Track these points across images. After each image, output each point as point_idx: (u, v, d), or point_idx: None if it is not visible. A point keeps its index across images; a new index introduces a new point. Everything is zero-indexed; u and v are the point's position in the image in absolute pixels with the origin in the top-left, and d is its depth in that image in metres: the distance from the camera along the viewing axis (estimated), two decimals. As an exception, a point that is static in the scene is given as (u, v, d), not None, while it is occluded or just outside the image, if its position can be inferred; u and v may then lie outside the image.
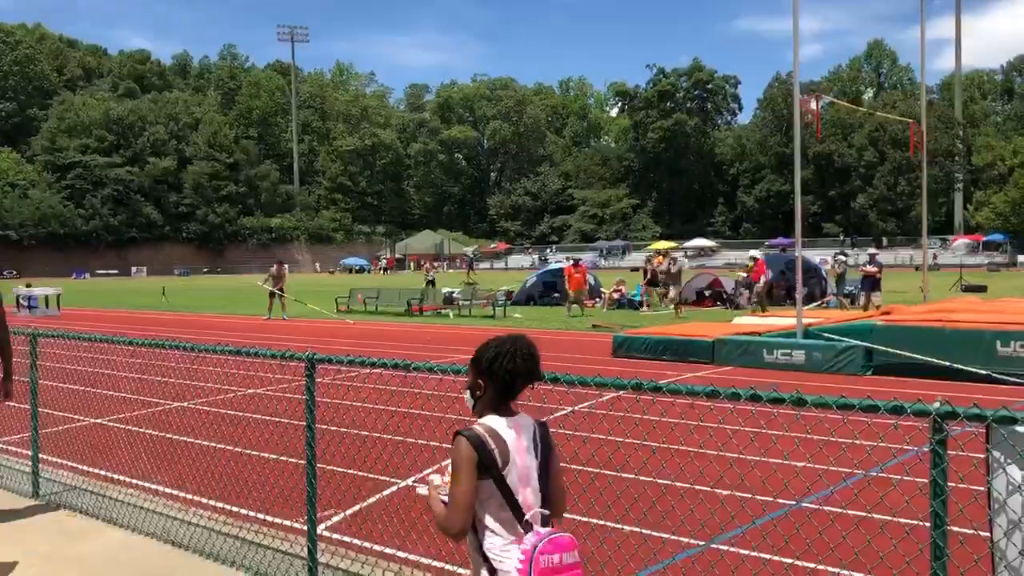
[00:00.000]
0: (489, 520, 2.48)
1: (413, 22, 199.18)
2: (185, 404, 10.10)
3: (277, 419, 8.67)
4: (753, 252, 26.61)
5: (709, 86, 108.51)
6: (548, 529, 2.48)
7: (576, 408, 8.65)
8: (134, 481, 6.71)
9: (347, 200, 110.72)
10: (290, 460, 6.85)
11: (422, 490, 2.69)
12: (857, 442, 6.42)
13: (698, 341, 14.18)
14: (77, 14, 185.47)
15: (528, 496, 2.50)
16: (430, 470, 4.50)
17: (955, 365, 11.60)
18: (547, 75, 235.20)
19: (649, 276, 26.63)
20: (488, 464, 2.44)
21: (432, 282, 34.04)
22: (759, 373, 12.67)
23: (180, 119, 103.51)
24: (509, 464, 2.47)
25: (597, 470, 5.51)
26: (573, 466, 6.20)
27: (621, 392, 3.35)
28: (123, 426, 8.99)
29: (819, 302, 25.33)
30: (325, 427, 7.12)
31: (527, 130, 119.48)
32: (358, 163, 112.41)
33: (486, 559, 2.46)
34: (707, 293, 28.38)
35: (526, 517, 2.46)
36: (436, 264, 40.93)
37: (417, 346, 17.17)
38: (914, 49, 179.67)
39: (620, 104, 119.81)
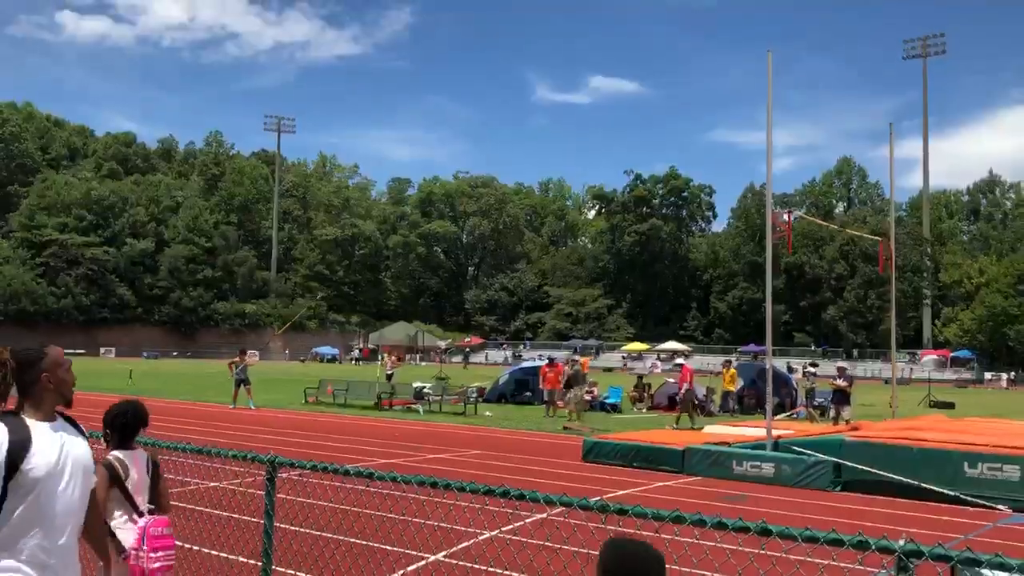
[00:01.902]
0: (118, 512, 4.10)
1: (397, 118, 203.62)
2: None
3: (236, 515, 8.43)
4: (678, 360, 26.92)
5: (684, 194, 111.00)
6: (153, 517, 4.14)
7: (549, 515, 8.50)
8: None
9: (323, 288, 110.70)
10: (248, 561, 6.65)
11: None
12: (823, 574, 6.32)
13: (668, 449, 14.10)
14: (65, 93, 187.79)
15: (141, 498, 4.17)
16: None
17: (923, 484, 11.59)
18: (527, 175, 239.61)
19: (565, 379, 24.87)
20: (115, 476, 4.07)
21: (390, 376, 32.55)
22: (728, 484, 12.57)
23: (161, 202, 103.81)
24: (128, 478, 4.12)
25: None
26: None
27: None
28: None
29: (789, 413, 25.38)
30: (284, 526, 6.94)
31: (506, 227, 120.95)
32: (336, 252, 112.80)
33: (113, 535, 3.99)
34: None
35: (141, 509, 4.12)
36: (395, 357, 37.98)
37: (386, 443, 16.91)
38: (883, 166, 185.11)
39: (597, 207, 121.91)
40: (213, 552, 7.08)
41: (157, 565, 4.05)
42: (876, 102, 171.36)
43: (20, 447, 2.90)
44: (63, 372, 3.18)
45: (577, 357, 27.35)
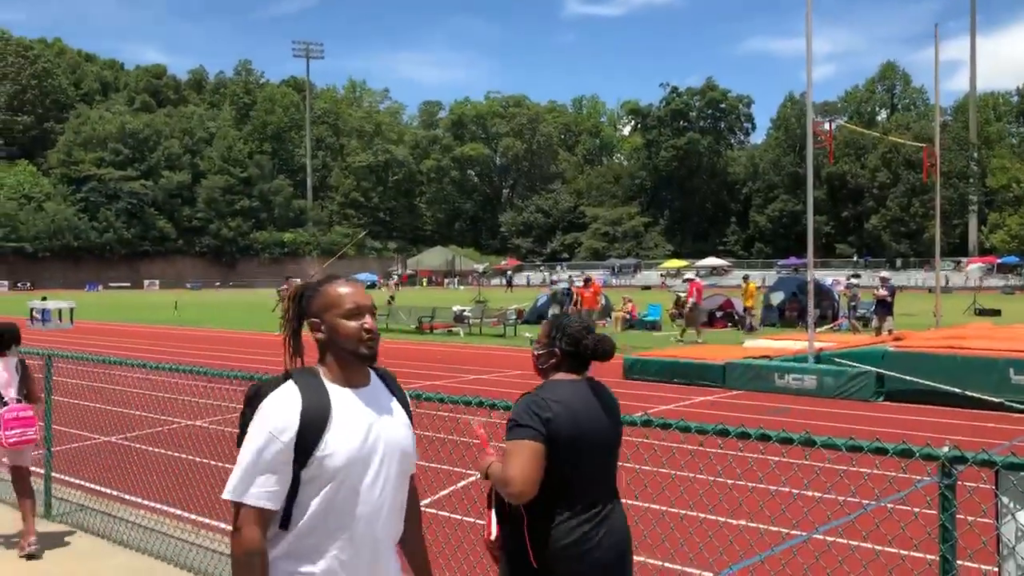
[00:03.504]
0: None
1: (425, 39, 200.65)
2: (196, 423, 10.14)
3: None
4: (688, 274, 26.71)
5: (722, 105, 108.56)
6: (14, 404, 5.70)
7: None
8: (145, 502, 6.74)
9: (359, 216, 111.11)
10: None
11: None
12: (867, 481, 6.39)
13: (709, 365, 14.15)
14: (94, 28, 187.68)
15: (10, 391, 5.74)
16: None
17: (967, 392, 11.54)
18: (559, 93, 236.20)
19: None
20: None
21: (391, 299, 33.15)
22: (770, 397, 12.63)
23: (195, 133, 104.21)
24: None
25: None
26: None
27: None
28: (135, 445, 9.03)
29: (831, 324, 25.25)
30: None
31: (539, 147, 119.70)
32: (371, 179, 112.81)
33: None
34: (719, 314, 28.21)
35: (5, 400, 5.66)
36: (394, 282, 38.04)
37: (429, 365, 17.19)
38: (927, 70, 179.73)
39: (633, 122, 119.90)
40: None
41: (13, 440, 5.63)
42: (917, 3, 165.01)
43: (316, 423, 2.15)
44: (344, 315, 2.26)
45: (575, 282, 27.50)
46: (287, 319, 2.33)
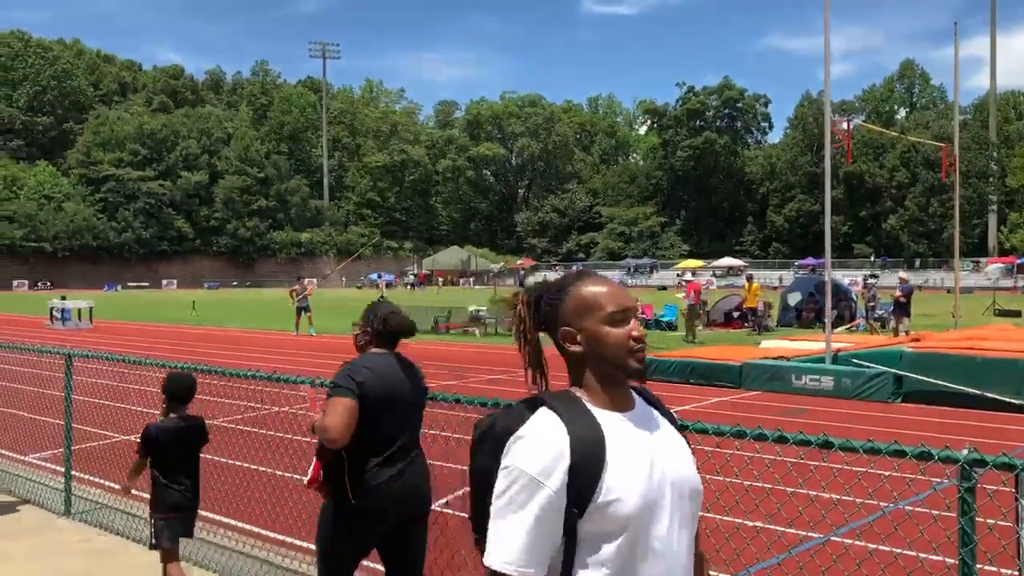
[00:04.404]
0: None
1: (441, 39, 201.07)
2: (214, 421, 10.18)
3: (308, 439, 8.72)
4: (686, 276, 26.67)
5: (739, 105, 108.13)
6: None
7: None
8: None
9: (375, 216, 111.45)
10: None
11: None
12: (885, 483, 6.34)
13: (726, 365, 14.10)
14: (113, 29, 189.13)
15: None
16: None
17: (987, 394, 11.45)
18: (575, 92, 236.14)
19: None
20: None
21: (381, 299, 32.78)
22: (787, 398, 12.58)
23: (212, 134, 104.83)
24: None
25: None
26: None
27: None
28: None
29: (848, 325, 25.11)
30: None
31: (555, 147, 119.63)
32: (387, 179, 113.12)
33: None
34: (735, 315, 28.11)
35: None
36: (384, 282, 37.45)
37: (445, 366, 17.21)
38: (947, 69, 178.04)
39: (649, 122, 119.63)
40: (286, 474, 7.35)
41: None
42: (936, 1, 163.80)
43: (591, 461, 1.66)
44: (608, 321, 1.78)
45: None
46: (523, 330, 1.85)
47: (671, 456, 1.77)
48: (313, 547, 5.49)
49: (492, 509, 1.67)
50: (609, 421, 1.73)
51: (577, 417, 1.70)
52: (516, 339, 1.88)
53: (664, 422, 1.86)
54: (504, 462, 1.68)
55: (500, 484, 1.67)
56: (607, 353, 1.76)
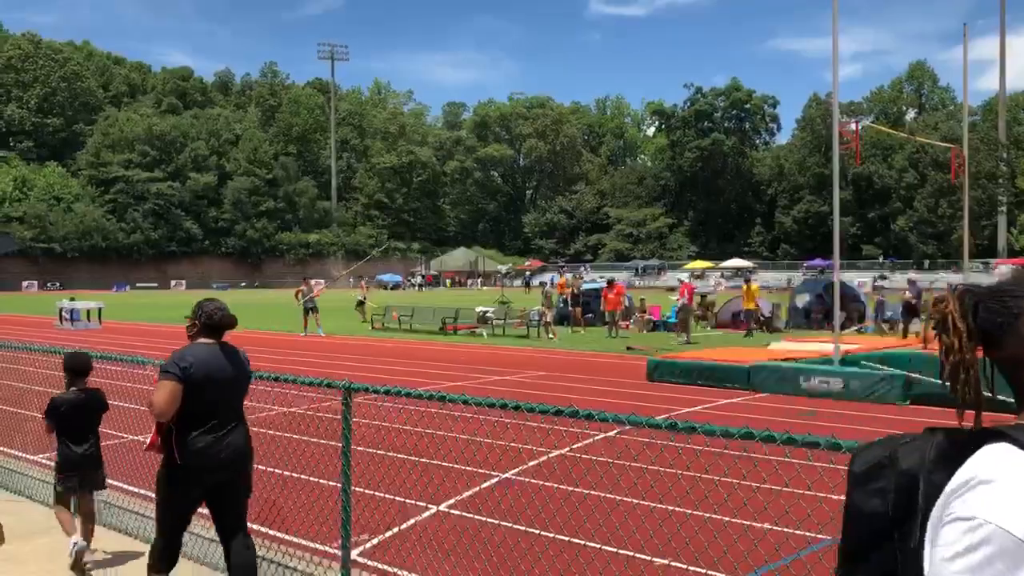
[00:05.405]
0: None
1: (449, 40, 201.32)
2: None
3: (315, 440, 8.73)
4: (679, 277, 26.82)
5: (747, 106, 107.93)
6: None
7: (617, 434, 8.62)
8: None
9: (383, 217, 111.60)
10: (325, 483, 6.90)
11: None
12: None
13: (734, 367, 14.06)
14: (123, 31, 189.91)
15: None
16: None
17: (998, 396, 11.38)
18: (583, 94, 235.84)
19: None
20: None
21: (361, 302, 33.03)
22: (796, 400, 12.53)
23: (221, 135, 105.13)
24: None
25: (637, 500, 5.49)
26: (616, 496, 6.17)
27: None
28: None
29: (857, 327, 25.03)
30: (361, 449, 7.17)
31: (563, 148, 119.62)
32: (395, 180, 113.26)
33: None
34: (742, 316, 28.03)
35: None
36: (366, 283, 37.16)
37: (453, 366, 17.21)
38: (956, 70, 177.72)
39: (657, 123, 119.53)
40: (294, 474, 7.36)
41: None
42: (945, 1, 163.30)
43: None
44: None
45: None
46: (957, 347, 1.39)
47: None
48: (320, 546, 5.49)
49: (949, 570, 1.20)
50: None
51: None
52: (942, 358, 1.40)
53: None
54: (965, 510, 1.22)
55: (964, 541, 1.20)
56: None
